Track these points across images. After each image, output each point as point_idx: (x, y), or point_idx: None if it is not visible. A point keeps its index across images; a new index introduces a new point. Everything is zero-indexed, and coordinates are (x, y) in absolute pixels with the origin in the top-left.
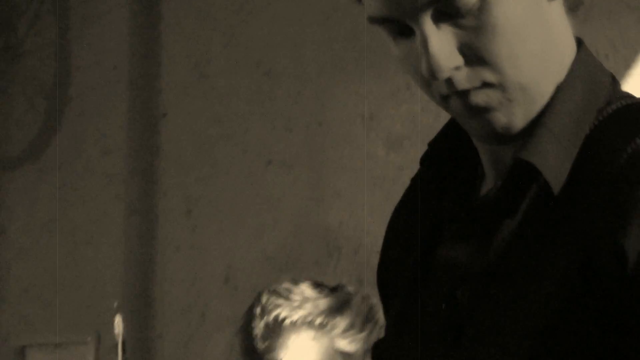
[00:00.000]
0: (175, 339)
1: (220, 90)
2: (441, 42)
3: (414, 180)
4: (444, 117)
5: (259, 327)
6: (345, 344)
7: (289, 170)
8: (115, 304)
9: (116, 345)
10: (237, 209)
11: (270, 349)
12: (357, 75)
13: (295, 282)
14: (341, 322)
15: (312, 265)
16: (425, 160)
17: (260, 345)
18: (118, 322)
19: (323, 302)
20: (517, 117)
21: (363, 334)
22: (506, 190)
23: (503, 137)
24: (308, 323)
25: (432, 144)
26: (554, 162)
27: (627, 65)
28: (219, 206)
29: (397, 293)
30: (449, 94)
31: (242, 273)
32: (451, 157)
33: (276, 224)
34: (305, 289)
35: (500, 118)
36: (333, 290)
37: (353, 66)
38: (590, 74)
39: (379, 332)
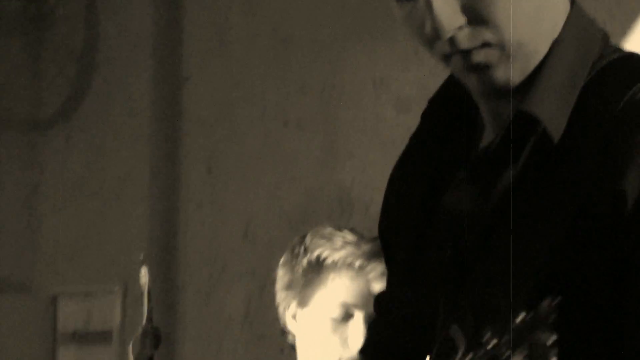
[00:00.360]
0: (197, 289)
1: (239, 56)
2: (445, 3)
3: (413, 137)
4: None
5: (301, 264)
6: (381, 288)
7: (304, 131)
8: (141, 256)
9: (142, 294)
10: (256, 168)
11: (310, 285)
12: (369, 42)
13: (338, 227)
14: (379, 267)
15: (326, 220)
16: (426, 115)
17: (301, 280)
18: (144, 273)
19: (363, 247)
20: (515, 73)
21: None
22: (507, 140)
23: (502, 92)
24: (348, 264)
25: (432, 100)
26: (553, 113)
27: (624, 33)
28: (238, 165)
29: (399, 244)
30: (451, 53)
31: (260, 228)
32: (450, 111)
33: (292, 181)
34: (347, 234)
35: (499, 74)
36: (372, 239)
37: (365, 33)
38: (584, 29)
39: None
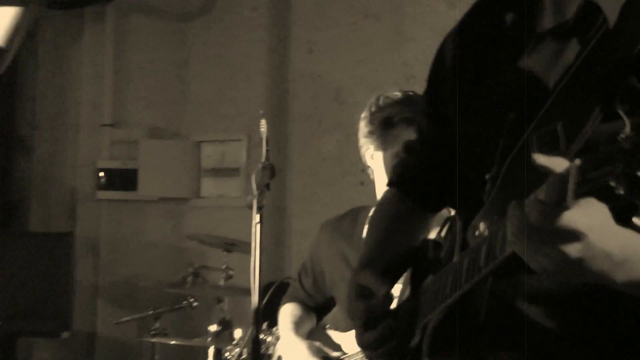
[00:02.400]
0: (301, 136)
1: None
2: None
3: (469, 15)
4: None
5: (376, 118)
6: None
7: (379, 22)
8: (261, 112)
9: (261, 141)
10: (344, 49)
11: (383, 135)
12: None
13: (404, 91)
14: None
15: (394, 87)
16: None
17: (376, 131)
18: (263, 125)
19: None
20: None
21: None
22: (573, 24)
23: None
24: (411, 120)
25: None
26: (610, 3)
27: None
28: (332, 46)
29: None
30: None
31: (347, 93)
32: None
33: (370, 59)
34: (413, 95)
35: None
36: None
37: None
38: None
39: None
